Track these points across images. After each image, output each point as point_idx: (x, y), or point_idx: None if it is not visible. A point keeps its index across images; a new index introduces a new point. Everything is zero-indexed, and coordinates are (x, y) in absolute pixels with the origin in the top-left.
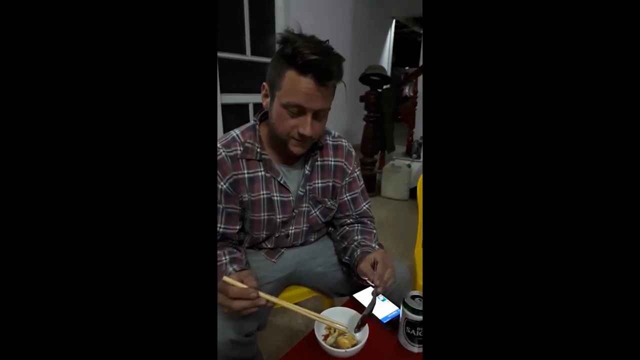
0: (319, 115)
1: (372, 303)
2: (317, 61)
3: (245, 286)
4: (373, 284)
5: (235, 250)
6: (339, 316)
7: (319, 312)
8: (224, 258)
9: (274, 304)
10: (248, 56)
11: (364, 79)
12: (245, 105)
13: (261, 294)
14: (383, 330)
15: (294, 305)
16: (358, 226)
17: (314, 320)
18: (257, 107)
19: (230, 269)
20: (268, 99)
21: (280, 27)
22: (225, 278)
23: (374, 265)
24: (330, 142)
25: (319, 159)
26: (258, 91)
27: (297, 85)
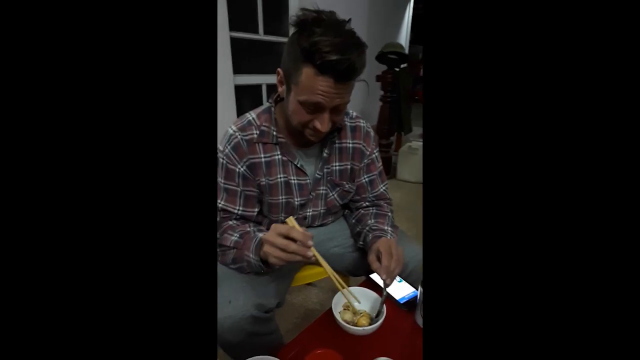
0: (338, 110)
1: (384, 297)
2: (338, 61)
3: (305, 232)
4: (381, 277)
5: (257, 225)
6: (356, 295)
7: (335, 292)
8: (249, 228)
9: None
10: (261, 35)
11: (381, 57)
12: (259, 87)
13: (312, 247)
14: (400, 310)
15: (334, 273)
16: (373, 209)
17: (329, 299)
18: (270, 88)
19: (260, 234)
20: (284, 87)
21: (293, 4)
22: (291, 218)
23: (378, 257)
24: (348, 124)
25: (337, 142)
26: (271, 72)
27: (315, 84)
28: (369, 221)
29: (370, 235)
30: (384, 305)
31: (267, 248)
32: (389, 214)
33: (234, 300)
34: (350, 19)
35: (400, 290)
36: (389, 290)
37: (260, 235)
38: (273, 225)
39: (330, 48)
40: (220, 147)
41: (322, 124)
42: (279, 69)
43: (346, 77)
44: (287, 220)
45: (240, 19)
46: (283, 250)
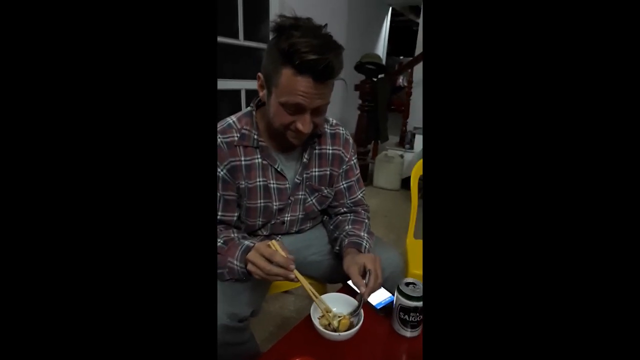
0: (319, 111)
1: (359, 307)
2: (316, 61)
3: (287, 256)
4: (362, 295)
5: (240, 231)
6: (334, 301)
7: (311, 299)
8: (233, 234)
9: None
10: (241, 41)
11: (360, 67)
12: (238, 92)
13: (295, 270)
14: (376, 315)
15: (311, 288)
16: (350, 216)
17: (306, 307)
18: (249, 93)
19: (246, 242)
20: (264, 91)
21: (274, 11)
22: (273, 242)
23: (364, 273)
24: (328, 131)
25: (317, 147)
26: (251, 77)
27: (294, 85)
28: (346, 227)
29: (346, 240)
30: (361, 311)
31: (250, 267)
32: (366, 220)
33: None
34: (326, 24)
35: (377, 295)
36: None
37: (247, 243)
38: (257, 245)
39: (309, 49)
40: None
41: (304, 124)
42: (259, 74)
43: (324, 76)
44: (270, 243)
45: (221, 23)
46: (265, 273)
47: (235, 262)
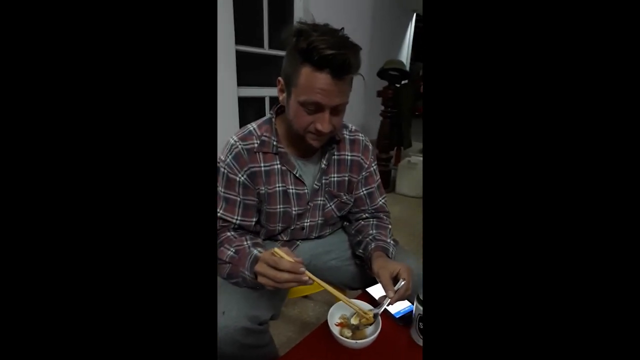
0: (337, 110)
1: (381, 308)
2: (334, 55)
3: (293, 260)
4: (387, 295)
5: (255, 237)
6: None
7: (331, 304)
8: (245, 243)
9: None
10: (266, 49)
11: (382, 73)
12: (262, 99)
13: (306, 271)
14: (395, 325)
15: (331, 287)
16: (373, 221)
17: (326, 312)
18: (274, 100)
19: (255, 251)
20: (284, 94)
21: (298, 19)
22: (276, 249)
23: (395, 278)
24: (348, 136)
25: (335, 153)
26: (274, 84)
27: (313, 82)
28: (371, 231)
29: (372, 244)
30: (380, 319)
31: (260, 279)
32: (389, 226)
33: (227, 311)
34: (343, 28)
35: (397, 305)
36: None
37: (255, 252)
38: (262, 256)
39: (327, 45)
40: (221, 156)
41: (323, 124)
42: (279, 78)
43: (342, 71)
44: (273, 251)
45: (246, 32)
46: (276, 281)
47: (245, 272)
